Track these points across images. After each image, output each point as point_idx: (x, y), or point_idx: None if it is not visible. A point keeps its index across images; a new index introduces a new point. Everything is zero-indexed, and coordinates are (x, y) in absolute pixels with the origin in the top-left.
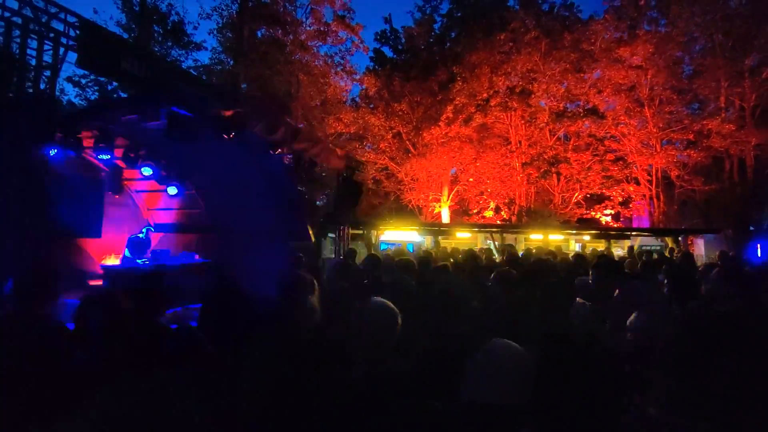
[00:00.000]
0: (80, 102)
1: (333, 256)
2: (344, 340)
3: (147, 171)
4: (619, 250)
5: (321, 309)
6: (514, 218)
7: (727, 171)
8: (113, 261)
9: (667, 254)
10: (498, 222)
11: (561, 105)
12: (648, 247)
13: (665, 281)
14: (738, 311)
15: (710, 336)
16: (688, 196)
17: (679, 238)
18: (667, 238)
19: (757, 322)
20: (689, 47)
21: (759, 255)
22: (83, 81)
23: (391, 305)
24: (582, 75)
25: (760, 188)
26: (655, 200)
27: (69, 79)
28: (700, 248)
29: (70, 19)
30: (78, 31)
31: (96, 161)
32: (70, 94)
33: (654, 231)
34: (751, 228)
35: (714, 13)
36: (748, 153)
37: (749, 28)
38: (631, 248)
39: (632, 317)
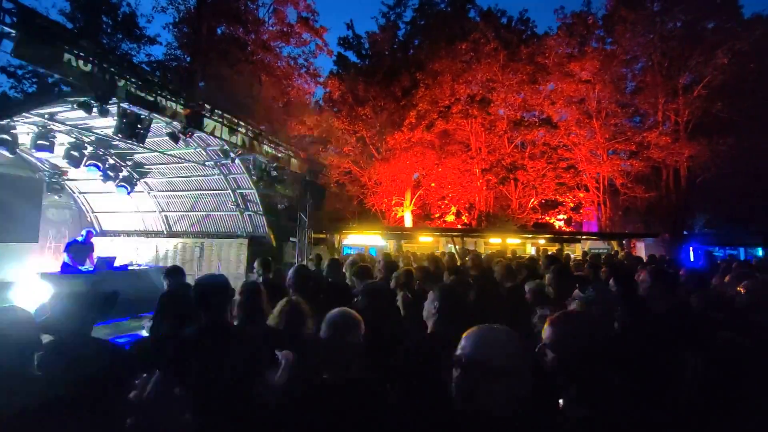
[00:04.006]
0: (15, 95)
1: (296, 261)
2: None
3: (93, 171)
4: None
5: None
6: (474, 222)
7: (664, 180)
8: (52, 267)
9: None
10: (459, 226)
11: (518, 114)
12: (597, 250)
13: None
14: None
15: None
16: (631, 203)
17: (623, 242)
18: (612, 242)
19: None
20: (631, 65)
21: (691, 258)
22: (19, 72)
23: (354, 313)
24: (537, 86)
25: (692, 196)
26: (602, 206)
27: (3, 70)
28: (640, 251)
29: (6, 5)
30: (14, 18)
31: (34, 160)
32: (4, 85)
33: (601, 235)
34: (685, 232)
35: (653, 33)
36: (681, 164)
37: (683, 49)
38: (584, 252)
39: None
